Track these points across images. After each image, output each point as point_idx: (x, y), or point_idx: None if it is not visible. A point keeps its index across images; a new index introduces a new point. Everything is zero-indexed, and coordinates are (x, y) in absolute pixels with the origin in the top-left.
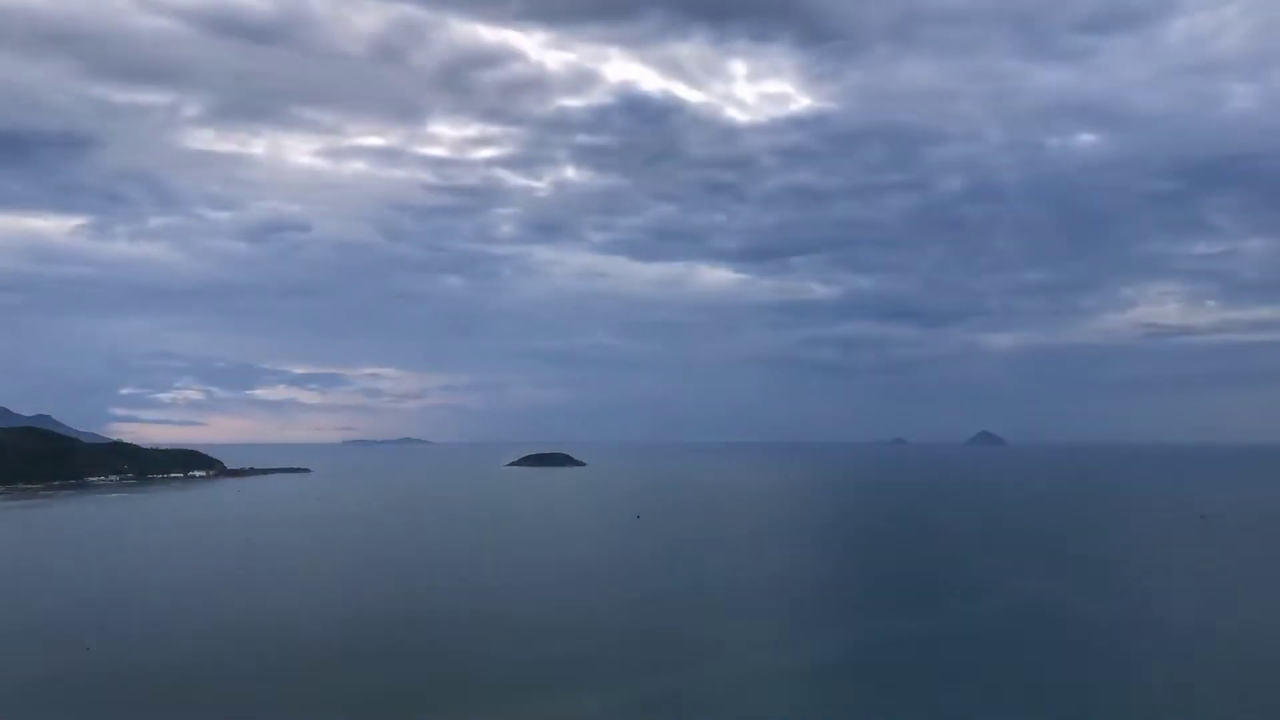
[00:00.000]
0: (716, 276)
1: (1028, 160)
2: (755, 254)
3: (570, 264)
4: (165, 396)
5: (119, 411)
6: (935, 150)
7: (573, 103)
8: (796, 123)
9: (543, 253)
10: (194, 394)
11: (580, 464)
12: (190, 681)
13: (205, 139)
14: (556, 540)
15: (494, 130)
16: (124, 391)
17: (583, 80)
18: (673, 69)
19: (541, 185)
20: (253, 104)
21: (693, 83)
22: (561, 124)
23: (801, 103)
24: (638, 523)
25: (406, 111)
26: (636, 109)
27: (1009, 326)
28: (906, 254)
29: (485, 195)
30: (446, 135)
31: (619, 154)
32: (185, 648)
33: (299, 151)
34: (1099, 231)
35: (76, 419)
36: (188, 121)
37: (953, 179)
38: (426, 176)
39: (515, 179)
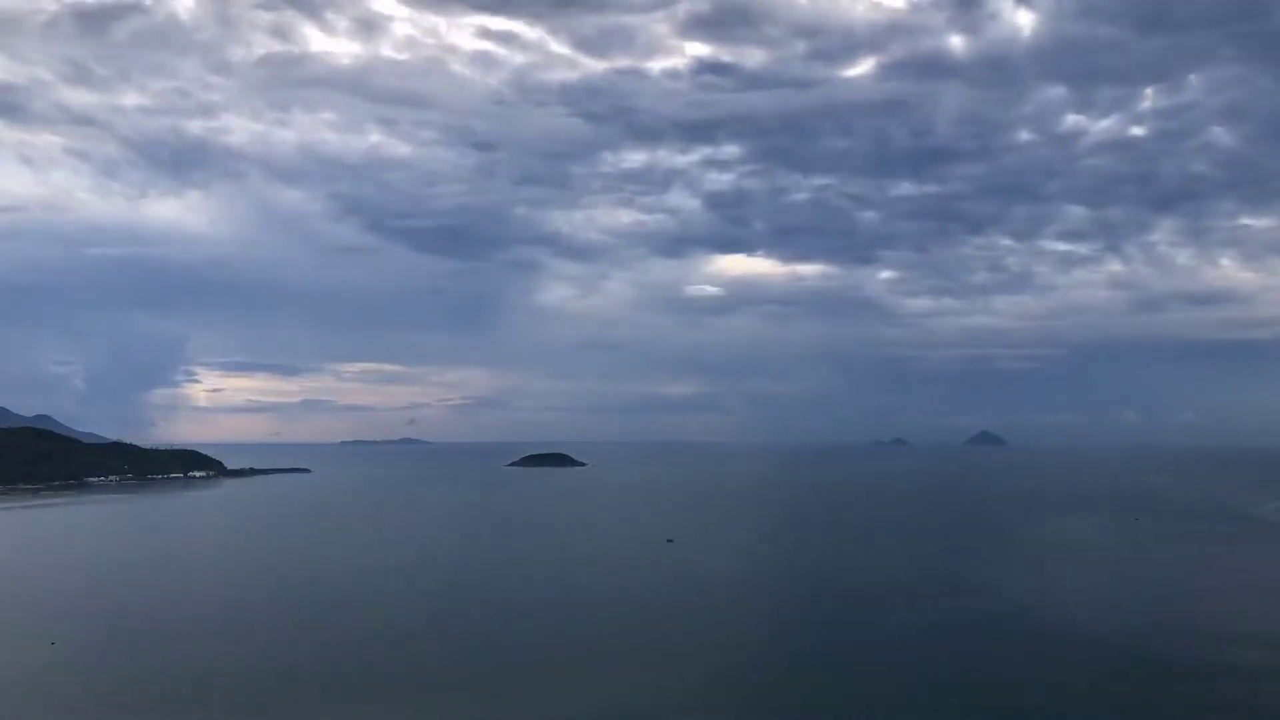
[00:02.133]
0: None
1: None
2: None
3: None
4: (161, 395)
5: (123, 412)
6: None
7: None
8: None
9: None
10: (190, 392)
11: (580, 464)
12: (149, 679)
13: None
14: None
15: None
16: (132, 391)
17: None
18: None
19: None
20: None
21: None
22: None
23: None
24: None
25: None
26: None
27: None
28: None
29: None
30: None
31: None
32: (154, 646)
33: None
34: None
35: (80, 419)
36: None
37: None
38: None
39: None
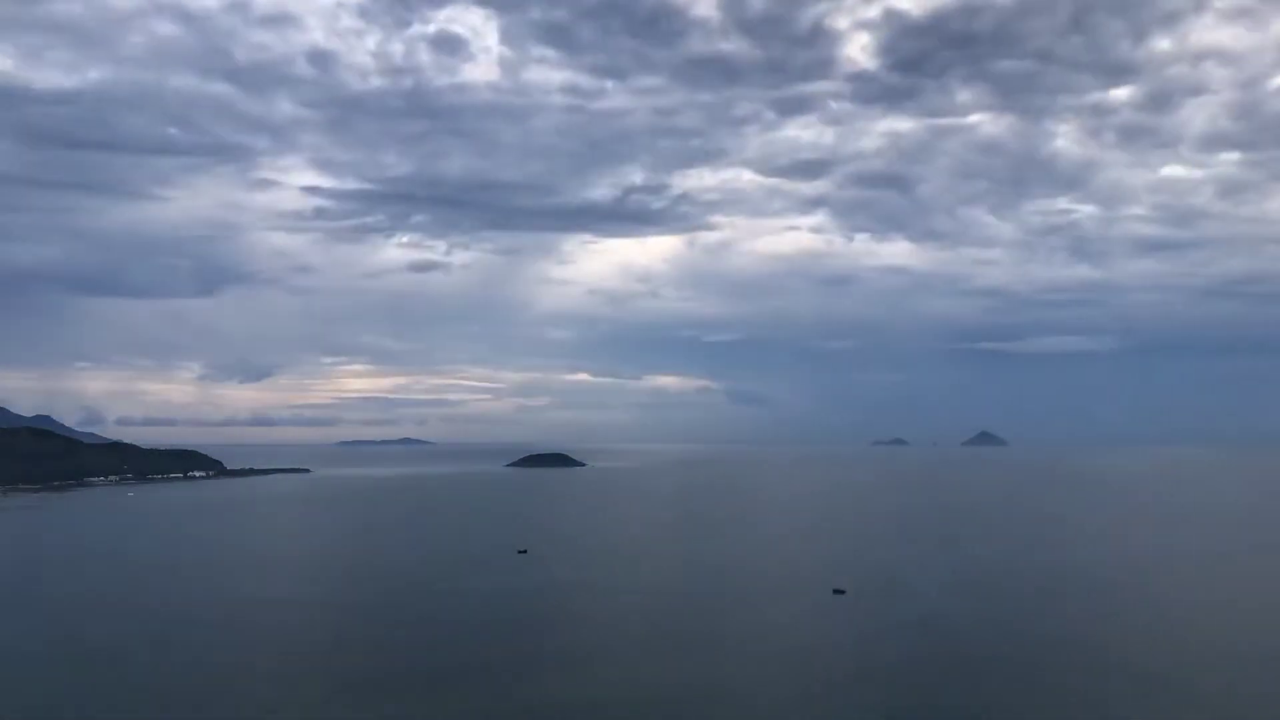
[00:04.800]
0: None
1: None
2: None
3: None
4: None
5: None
6: None
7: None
8: None
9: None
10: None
11: (580, 464)
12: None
13: None
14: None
15: None
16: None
17: None
18: None
19: None
20: None
21: None
22: None
23: None
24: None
25: None
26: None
27: None
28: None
29: None
30: None
31: None
32: (112, 641)
33: None
34: None
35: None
36: None
37: None
38: None
39: None
